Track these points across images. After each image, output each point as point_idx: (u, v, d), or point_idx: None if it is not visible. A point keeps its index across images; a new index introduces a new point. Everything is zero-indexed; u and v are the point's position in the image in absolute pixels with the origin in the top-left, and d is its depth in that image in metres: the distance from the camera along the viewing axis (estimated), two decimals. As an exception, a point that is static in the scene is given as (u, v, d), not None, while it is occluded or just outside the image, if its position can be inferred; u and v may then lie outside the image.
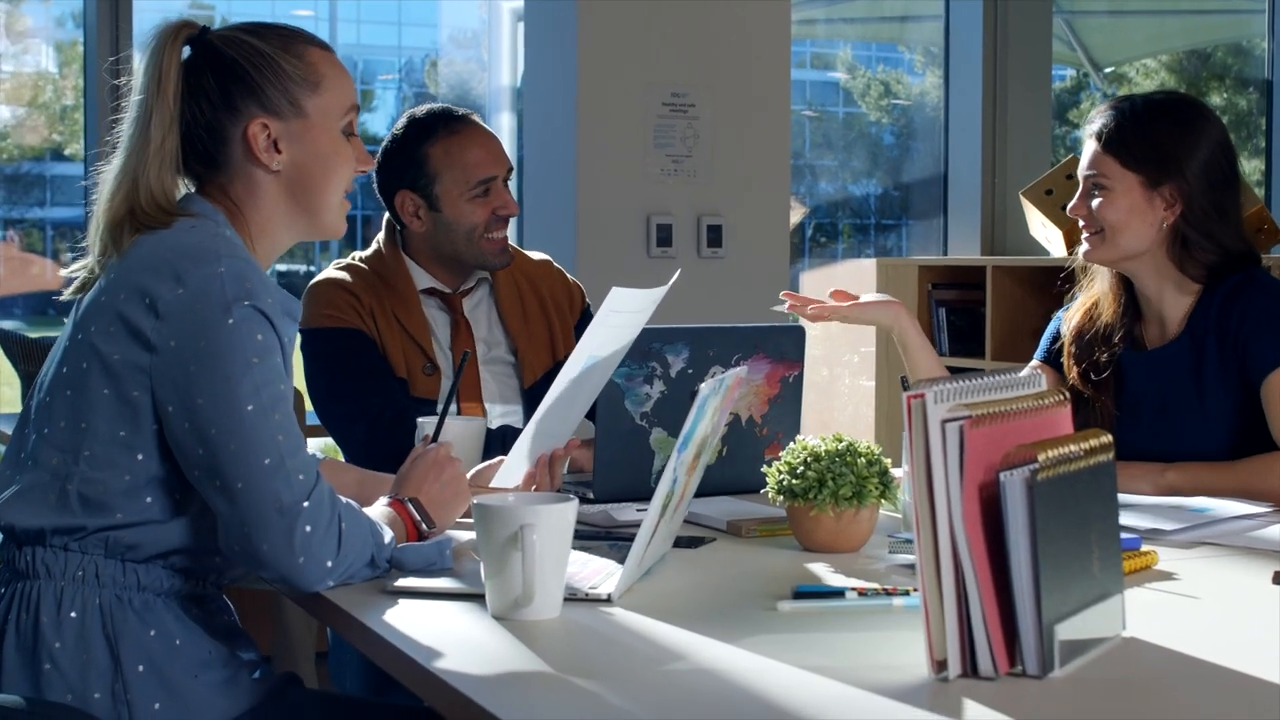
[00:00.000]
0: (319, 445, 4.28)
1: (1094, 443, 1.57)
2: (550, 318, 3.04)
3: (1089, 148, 2.71)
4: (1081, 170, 2.73)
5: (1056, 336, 2.86)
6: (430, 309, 2.98)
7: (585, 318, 3.08)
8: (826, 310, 2.77)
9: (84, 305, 1.93)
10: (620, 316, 2.14)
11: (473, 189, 2.92)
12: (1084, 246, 2.74)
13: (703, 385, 1.80)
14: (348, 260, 3.00)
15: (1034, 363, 2.89)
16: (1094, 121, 2.71)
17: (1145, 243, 2.66)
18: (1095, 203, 2.68)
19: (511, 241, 3.04)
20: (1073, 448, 1.52)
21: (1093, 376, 2.75)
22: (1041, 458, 1.46)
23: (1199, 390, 2.64)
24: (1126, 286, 2.77)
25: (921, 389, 1.45)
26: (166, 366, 1.82)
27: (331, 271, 2.98)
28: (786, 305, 2.76)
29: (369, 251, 3.02)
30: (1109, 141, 2.68)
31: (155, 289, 1.84)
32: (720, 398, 1.90)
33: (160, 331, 1.83)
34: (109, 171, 1.99)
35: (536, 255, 3.16)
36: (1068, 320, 2.84)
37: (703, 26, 4.84)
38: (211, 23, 2.04)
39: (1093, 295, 2.81)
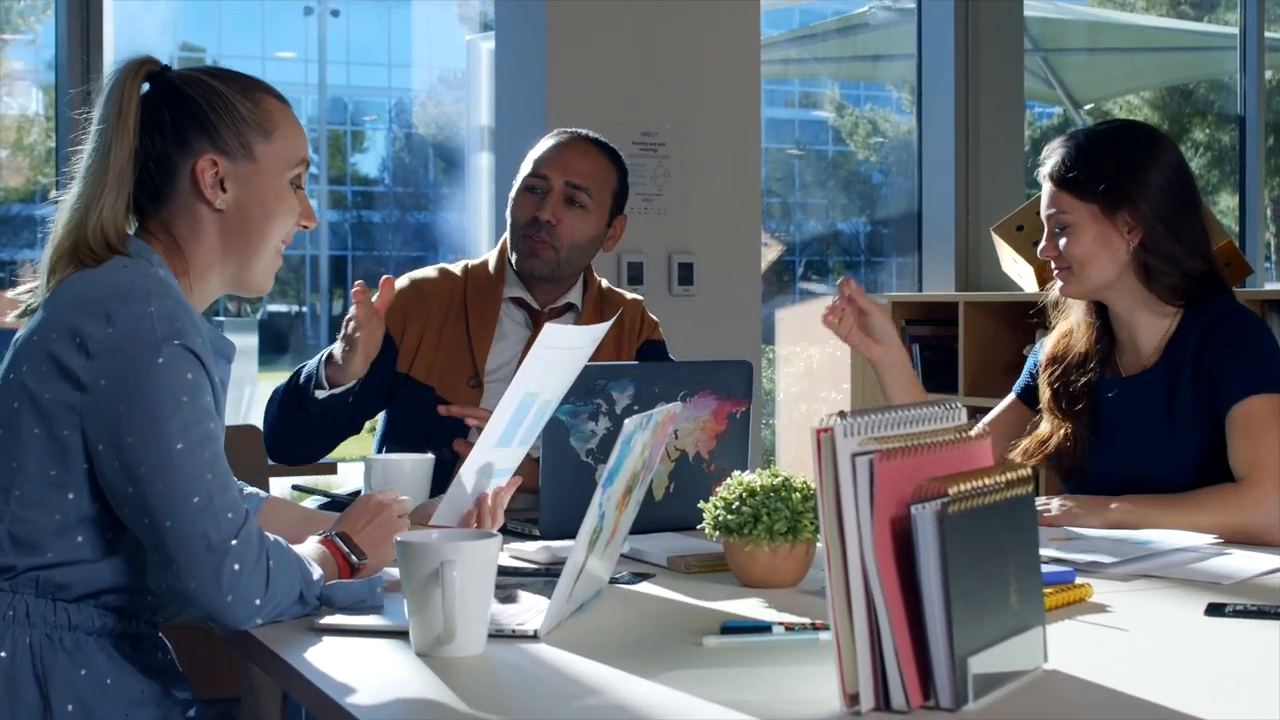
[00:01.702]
0: (284, 486, 4.29)
1: (1011, 475, 1.57)
2: (621, 348, 3.10)
3: (1046, 189, 2.73)
4: (1043, 211, 2.74)
5: (1034, 371, 2.88)
6: (515, 321, 3.06)
7: (647, 346, 3.15)
8: (838, 319, 2.73)
9: (17, 344, 1.93)
10: (555, 353, 2.13)
11: (525, 180, 3.04)
12: (1058, 283, 2.75)
13: (627, 421, 1.80)
14: (452, 265, 3.12)
15: (1009, 398, 2.91)
16: (1046, 162, 2.73)
17: (1113, 272, 2.67)
18: (1062, 241, 2.69)
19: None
20: (987, 480, 1.52)
21: (1064, 405, 2.77)
22: (953, 490, 1.46)
23: (1170, 418, 2.65)
24: (1101, 314, 2.79)
25: (830, 422, 1.45)
26: (96, 405, 1.82)
27: (431, 270, 3.11)
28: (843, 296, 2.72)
29: (478, 260, 3.12)
30: (1061, 178, 2.69)
31: (85, 328, 1.84)
32: (649, 433, 1.90)
33: (90, 370, 1.83)
34: (65, 200, 1.99)
35: (630, 295, 3.23)
36: (1043, 347, 2.87)
37: (672, 66, 4.86)
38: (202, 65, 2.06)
39: (1068, 325, 2.84)
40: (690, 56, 4.89)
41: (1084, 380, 2.75)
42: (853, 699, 1.45)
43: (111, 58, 4.67)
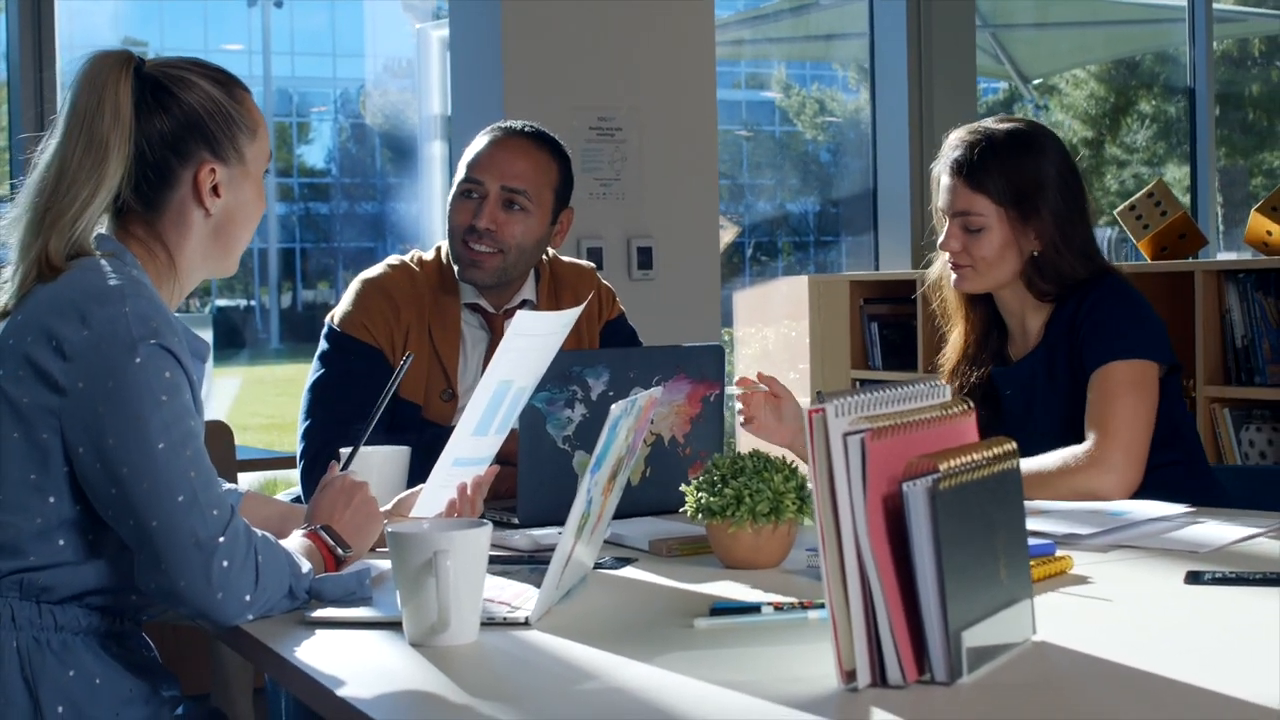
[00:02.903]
0: (252, 481, 4.28)
1: (997, 450, 1.59)
2: (581, 333, 2.99)
3: (951, 183, 2.77)
4: (946, 205, 2.78)
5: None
6: (472, 326, 2.96)
7: (609, 328, 3.07)
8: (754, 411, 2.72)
9: None
10: (527, 340, 2.13)
11: (460, 184, 2.92)
12: (953, 277, 2.81)
13: (613, 407, 1.81)
14: (408, 258, 2.98)
15: None
16: (949, 156, 2.78)
17: (1014, 271, 2.77)
18: (970, 239, 2.74)
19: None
20: (975, 456, 1.54)
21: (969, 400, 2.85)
22: (943, 467, 1.47)
23: (1055, 395, 2.75)
24: (985, 308, 2.87)
25: (822, 403, 1.46)
26: (75, 408, 1.81)
27: (387, 269, 2.95)
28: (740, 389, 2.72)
29: (430, 254, 2.99)
30: (976, 178, 2.74)
31: (61, 331, 1.83)
32: (633, 418, 1.90)
33: (68, 373, 1.82)
34: (32, 202, 1.94)
35: (586, 264, 3.14)
36: (947, 361, 2.93)
37: (628, 51, 4.86)
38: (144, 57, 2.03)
39: (956, 337, 2.92)
40: (645, 40, 4.89)
41: (976, 375, 2.83)
42: (849, 675, 1.46)
43: (59, 55, 4.63)
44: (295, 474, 2.96)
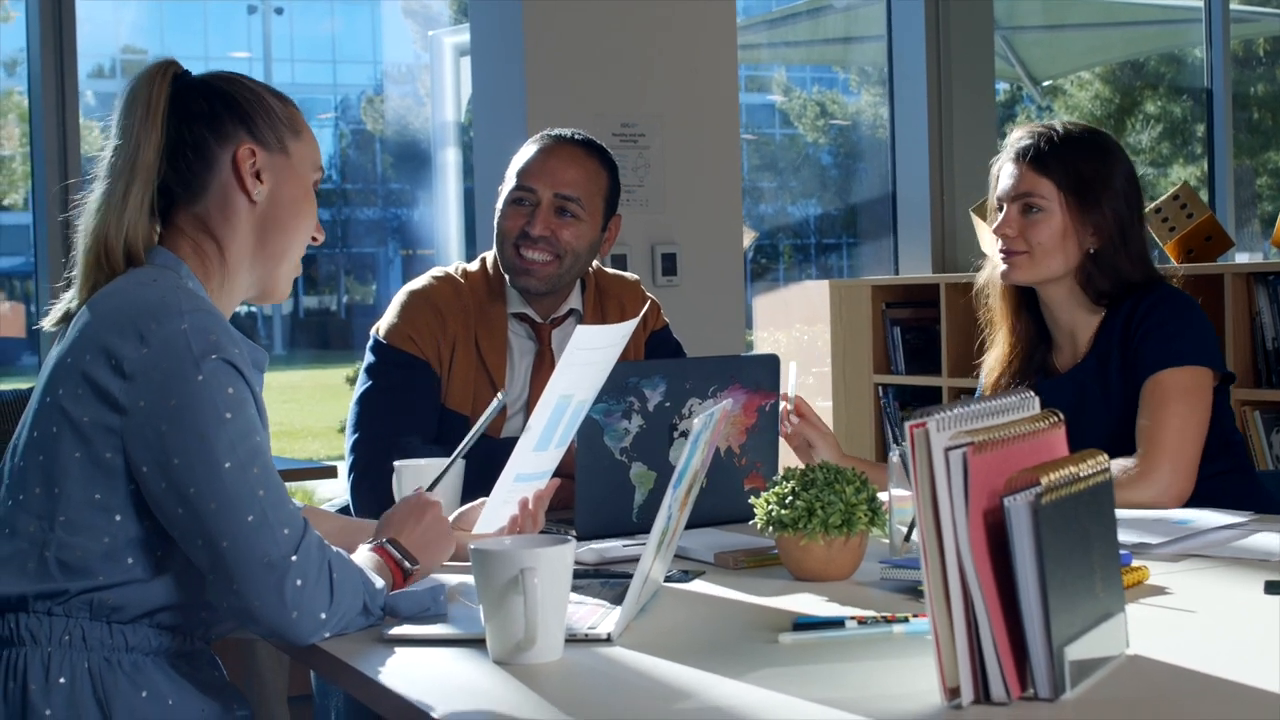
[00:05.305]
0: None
1: (1092, 463, 1.57)
2: (628, 345, 2.98)
3: (1015, 169, 2.76)
4: (1007, 190, 2.76)
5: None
6: (520, 337, 2.94)
7: (655, 339, 3.06)
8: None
9: (50, 366, 1.90)
10: (586, 354, 2.12)
11: (511, 191, 2.91)
12: (1002, 267, 2.78)
13: (695, 421, 1.79)
14: (451, 269, 2.97)
15: None
16: (1018, 144, 2.77)
17: (1068, 265, 2.74)
18: (1027, 224, 2.72)
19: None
20: (1072, 469, 1.52)
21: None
22: (1044, 481, 1.46)
23: (1107, 404, 2.72)
24: (1032, 318, 2.84)
25: (923, 418, 1.45)
26: (138, 427, 1.79)
27: (432, 280, 2.94)
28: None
29: (474, 265, 2.98)
30: (1042, 163, 2.73)
31: (119, 349, 1.81)
32: (710, 432, 1.89)
33: (129, 392, 1.80)
34: (89, 204, 1.97)
35: (631, 276, 3.14)
36: (990, 375, 2.92)
37: (650, 57, 4.85)
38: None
39: (1000, 346, 2.90)
40: (667, 47, 4.88)
41: (1020, 387, 2.80)
42: (953, 693, 1.45)
43: (78, 64, 4.62)
44: (313, 484, 2.95)
